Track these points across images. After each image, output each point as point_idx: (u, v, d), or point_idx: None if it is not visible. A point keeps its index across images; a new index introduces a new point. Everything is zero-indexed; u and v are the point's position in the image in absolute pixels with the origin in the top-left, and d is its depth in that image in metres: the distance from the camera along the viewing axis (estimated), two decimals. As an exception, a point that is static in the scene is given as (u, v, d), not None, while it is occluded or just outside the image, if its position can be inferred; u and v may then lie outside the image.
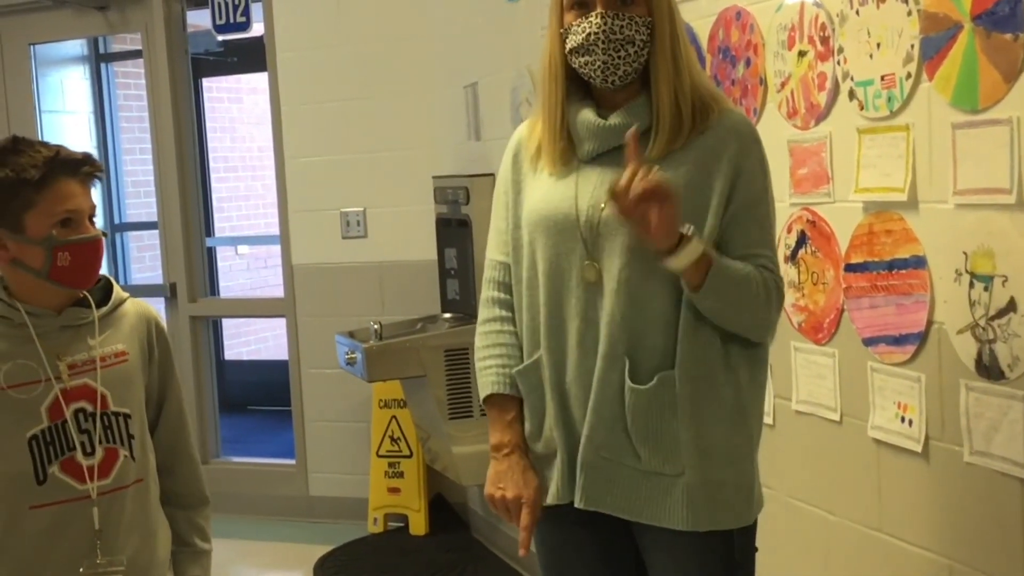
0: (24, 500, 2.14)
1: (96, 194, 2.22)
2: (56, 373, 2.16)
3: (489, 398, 2.21)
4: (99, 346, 2.21)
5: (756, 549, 2.17)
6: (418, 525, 5.03)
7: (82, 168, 2.15)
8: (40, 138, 5.97)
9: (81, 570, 2.16)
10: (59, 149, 2.15)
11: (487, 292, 2.26)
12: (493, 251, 2.27)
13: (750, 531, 2.14)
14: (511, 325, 2.22)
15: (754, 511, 2.14)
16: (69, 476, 2.16)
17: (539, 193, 2.17)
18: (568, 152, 2.15)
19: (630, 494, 2.09)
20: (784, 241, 2.72)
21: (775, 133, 2.71)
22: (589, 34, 2.07)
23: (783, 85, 2.71)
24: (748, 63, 2.84)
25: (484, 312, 2.26)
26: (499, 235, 2.26)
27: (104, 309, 2.24)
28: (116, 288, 2.28)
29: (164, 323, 2.39)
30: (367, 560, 4.81)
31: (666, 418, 2.05)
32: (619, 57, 2.07)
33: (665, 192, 1.92)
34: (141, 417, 2.27)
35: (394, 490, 5.11)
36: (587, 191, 2.10)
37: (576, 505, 2.12)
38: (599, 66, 2.08)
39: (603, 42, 2.06)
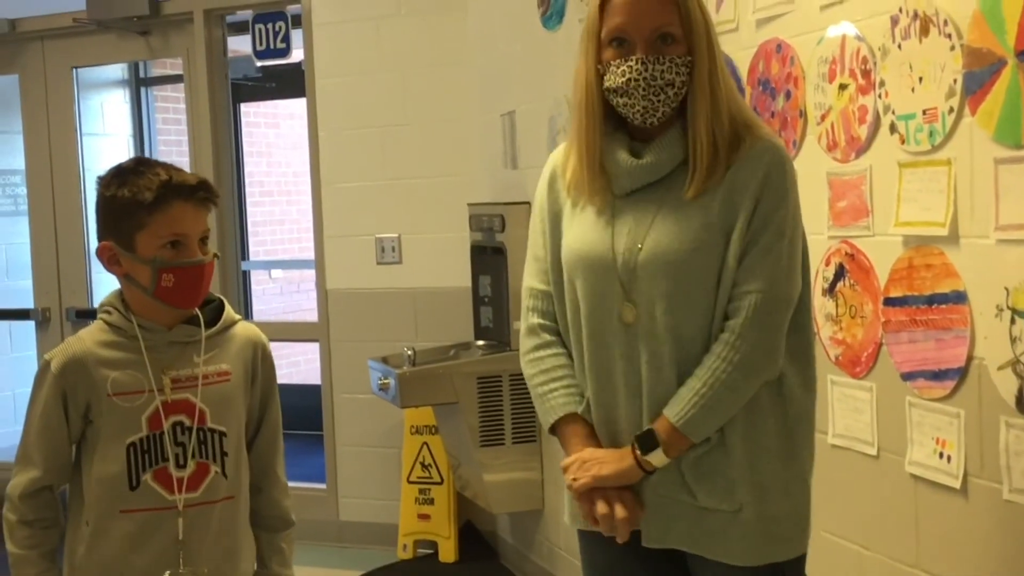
0: (116, 504, 2.22)
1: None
2: (160, 386, 2.24)
3: (561, 421, 2.16)
4: (204, 364, 2.29)
5: None
6: (448, 552, 5.01)
7: (196, 193, 2.23)
8: (80, 161, 6.06)
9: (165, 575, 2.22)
10: (173, 174, 2.22)
11: (531, 320, 2.23)
12: (532, 279, 2.25)
13: (801, 560, 2.15)
14: (564, 348, 2.20)
15: (806, 540, 2.15)
16: (160, 485, 2.24)
17: (576, 232, 2.16)
18: (605, 187, 2.14)
19: (692, 528, 2.10)
20: (822, 274, 2.72)
21: (814, 166, 2.71)
22: (629, 79, 2.07)
23: (823, 118, 2.71)
24: (788, 95, 2.84)
25: (531, 340, 2.22)
26: (538, 263, 2.24)
27: (213, 329, 2.32)
28: (228, 310, 2.36)
29: (270, 348, 2.45)
30: (396, 586, 4.81)
31: (717, 457, 2.07)
32: (658, 100, 2.07)
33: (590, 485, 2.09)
34: (239, 436, 2.34)
35: (424, 516, 5.10)
36: (623, 232, 2.10)
37: (643, 544, 2.13)
38: (639, 109, 2.08)
39: (643, 88, 2.06)
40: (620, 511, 2.07)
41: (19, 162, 6.37)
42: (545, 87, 4.28)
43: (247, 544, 2.38)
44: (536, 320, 2.22)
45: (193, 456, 2.25)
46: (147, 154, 7.24)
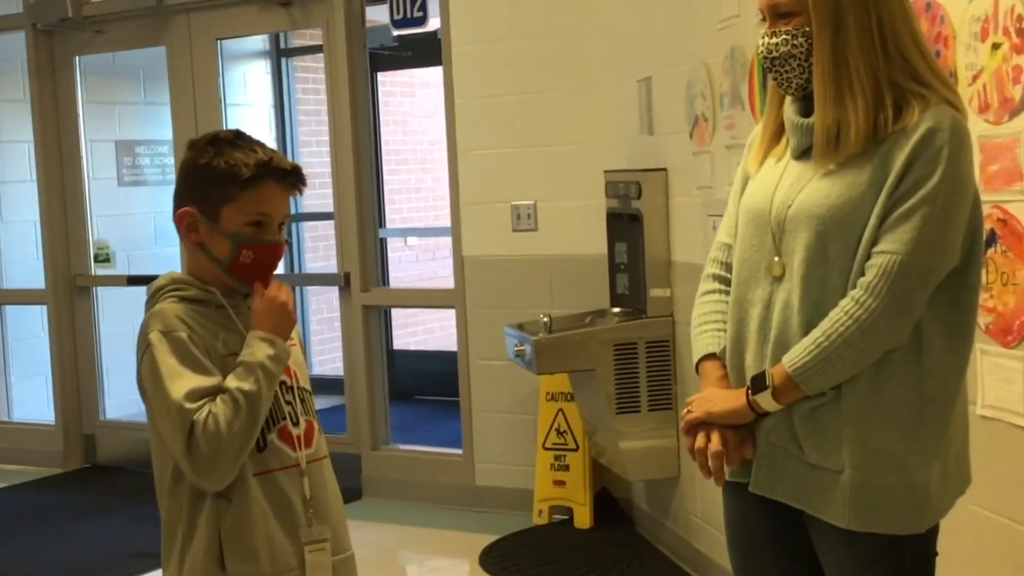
0: (248, 468, 2.20)
1: None
2: None
3: (702, 361, 2.25)
4: None
5: (936, 553, 2.12)
6: (583, 518, 5.04)
7: (289, 178, 2.23)
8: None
9: (302, 538, 2.22)
10: (273, 156, 2.22)
11: (707, 269, 2.34)
12: (720, 232, 2.33)
13: (924, 539, 2.08)
14: (727, 297, 2.25)
15: (926, 519, 2.07)
16: (284, 443, 2.24)
17: (751, 187, 2.23)
18: (783, 147, 2.20)
19: (798, 483, 2.10)
20: (972, 240, 2.63)
21: (965, 128, 2.62)
22: (759, 52, 2.15)
23: (975, 79, 2.62)
24: (937, 56, 2.75)
25: (702, 287, 2.33)
26: (728, 218, 2.32)
27: None
28: None
29: None
30: (532, 551, 4.84)
31: (829, 413, 2.05)
32: (784, 71, 2.11)
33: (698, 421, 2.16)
34: None
35: (559, 483, 5.13)
36: (783, 188, 2.13)
37: (750, 489, 2.16)
38: (776, 80, 2.14)
39: (767, 60, 2.13)
40: (715, 444, 2.12)
41: (166, 132, 6.55)
42: (683, 52, 4.23)
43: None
44: (711, 269, 2.33)
45: (301, 414, 2.28)
46: (287, 124, 7.38)
